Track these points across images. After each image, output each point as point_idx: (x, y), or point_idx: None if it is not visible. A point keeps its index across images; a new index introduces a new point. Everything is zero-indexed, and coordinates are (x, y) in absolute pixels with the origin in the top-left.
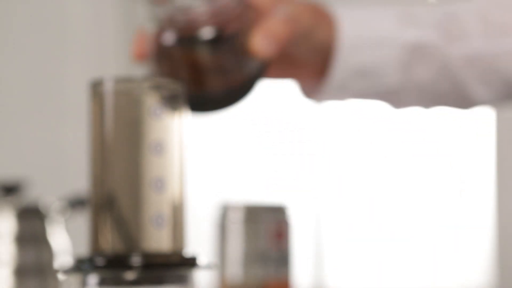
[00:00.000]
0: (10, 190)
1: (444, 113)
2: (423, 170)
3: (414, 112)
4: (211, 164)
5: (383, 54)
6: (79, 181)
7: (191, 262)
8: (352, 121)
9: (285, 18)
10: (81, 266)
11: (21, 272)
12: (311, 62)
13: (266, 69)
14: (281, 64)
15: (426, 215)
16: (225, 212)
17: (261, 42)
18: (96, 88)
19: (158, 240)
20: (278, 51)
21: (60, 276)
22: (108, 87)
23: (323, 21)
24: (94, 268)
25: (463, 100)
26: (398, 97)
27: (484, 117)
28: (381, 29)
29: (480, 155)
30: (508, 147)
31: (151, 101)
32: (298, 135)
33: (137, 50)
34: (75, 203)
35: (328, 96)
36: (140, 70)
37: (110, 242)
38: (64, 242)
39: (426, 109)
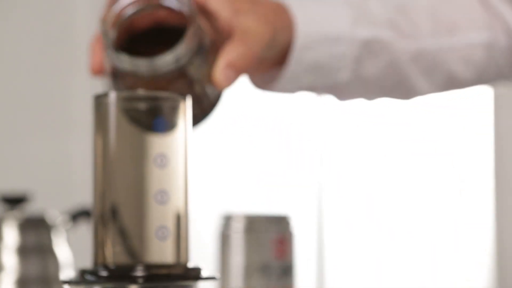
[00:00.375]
0: (15, 202)
1: (443, 111)
2: (423, 172)
3: (412, 111)
4: (212, 175)
5: (336, 51)
6: (83, 193)
7: (194, 274)
8: (351, 125)
9: (244, 48)
10: (85, 278)
11: (26, 283)
12: (268, 61)
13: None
14: None
15: (428, 221)
16: (227, 222)
17: (222, 76)
18: (100, 101)
19: (161, 252)
20: (238, 78)
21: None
22: (112, 100)
23: (284, 23)
24: (98, 279)
25: (406, 92)
26: (344, 90)
27: (483, 114)
28: (335, 27)
29: (479, 154)
30: (507, 146)
31: (155, 113)
32: (298, 144)
33: (95, 64)
34: (79, 215)
35: (279, 89)
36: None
37: (114, 254)
38: (68, 254)
39: (369, 100)
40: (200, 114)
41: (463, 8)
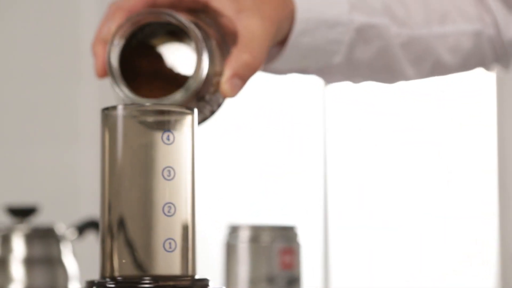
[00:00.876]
0: (23, 213)
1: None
2: (428, 174)
3: (414, 110)
4: (218, 185)
5: (332, 36)
6: (91, 205)
7: (202, 285)
8: (356, 131)
9: (249, 56)
10: None
11: None
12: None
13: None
14: None
15: (434, 225)
16: (233, 233)
17: (229, 86)
18: (108, 114)
19: (168, 264)
20: (244, 86)
21: None
22: (120, 113)
23: (286, 14)
24: None
25: (391, 77)
26: (334, 73)
27: (486, 108)
28: (333, 13)
29: (482, 151)
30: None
31: (163, 126)
32: (303, 154)
33: (100, 67)
34: (86, 227)
35: (270, 70)
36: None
37: (121, 266)
38: (74, 265)
39: (354, 83)
40: (200, 119)
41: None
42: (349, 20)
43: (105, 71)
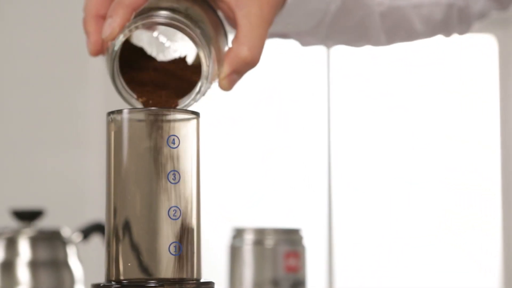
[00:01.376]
0: (30, 217)
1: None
2: (432, 190)
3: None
4: (222, 189)
5: (321, 7)
6: (96, 208)
7: None
8: (360, 133)
9: (248, 53)
10: None
11: None
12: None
13: None
14: None
15: (440, 226)
16: (238, 235)
17: (227, 82)
18: (113, 117)
19: (174, 267)
20: (240, 79)
21: None
22: (125, 116)
23: None
24: None
25: (363, 42)
26: (311, 37)
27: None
28: None
29: (486, 158)
30: None
31: (168, 130)
32: (308, 157)
33: (94, 45)
34: (92, 231)
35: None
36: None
37: (127, 269)
38: (79, 269)
39: (326, 47)
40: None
41: None
42: None
43: (99, 49)
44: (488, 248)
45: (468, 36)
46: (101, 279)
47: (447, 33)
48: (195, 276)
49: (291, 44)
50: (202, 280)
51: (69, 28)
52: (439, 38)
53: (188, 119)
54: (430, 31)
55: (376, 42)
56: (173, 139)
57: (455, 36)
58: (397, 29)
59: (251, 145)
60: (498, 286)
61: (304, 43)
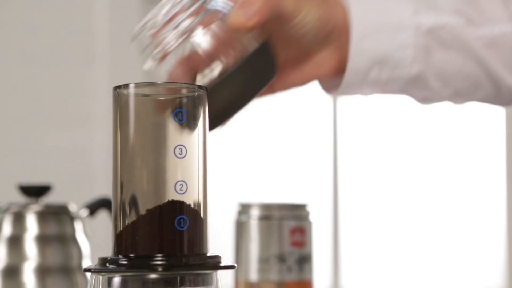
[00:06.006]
0: (37, 192)
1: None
2: (436, 171)
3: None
4: (229, 164)
5: (398, 39)
6: (103, 184)
7: (213, 263)
8: (367, 119)
9: None
10: (106, 267)
11: (48, 272)
12: (325, 52)
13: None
14: (297, 64)
15: (442, 217)
16: (245, 210)
17: (241, 15)
18: (119, 92)
19: (181, 242)
20: (261, 20)
21: (85, 276)
22: (132, 91)
23: (333, 6)
24: (119, 268)
25: (496, 88)
26: (422, 87)
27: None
28: (395, 15)
29: (491, 156)
30: None
31: (174, 104)
32: (314, 134)
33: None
34: (99, 206)
35: (349, 90)
36: (162, 75)
37: (134, 244)
38: (86, 244)
39: (459, 104)
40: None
41: None
42: (414, 22)
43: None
44: (492, 246)
45: None
46: (108, 254)
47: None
48: (202, 250)
49: None
50: (209, 254)
51: (75, 4)
52: None
53: (195, 94)
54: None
55: (507, 83)
56: (180, 114)
57: None
58: None
59: (259, 121)
60: (502, 287)
61: (421, 98)
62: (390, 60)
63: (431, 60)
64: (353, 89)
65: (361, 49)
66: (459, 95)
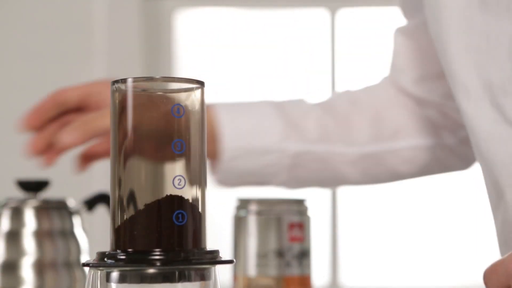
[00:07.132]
0: (35, 187)
1: None
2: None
3: None
4: None
5: (266, 161)
6: (101, 179)
7: (212, 258)
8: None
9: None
10: (104, 261)
11: (46, 267)
12: None
13: None
14: None
15: (440, 213)
16: (243, 206)
17: (64, 136)
18: (117, 87)
19: (179, 236)
20: (84, 140)
21: (83, 271)
22: (130, 86)
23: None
24: (117, 263)
25: (338, 183)
26: (280, 186)
27: None
28: (264, 141)
29: None
30: None
31: (173, 99)
32: None
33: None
34: (97, 201)
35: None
36: (162, 71)
37: (132, 238)
38: (84, 239)
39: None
40: None
41: (403, 116)
42: (280, 148)
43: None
44: (488, 243)
45: None
46: (107, 249)
47: (447, 171)
48: (200, 246)
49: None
50: (207, 249)
51: (73, 0)
52: None
53: (193, 88)
54: (420, 172)
55: (352, 182)
56: (178, 109)
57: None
58: (374, 172)
59: None
60: None
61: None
62: (256, 174)
63: (293, 174)
64: (227, 184)
65: (230, 168)
66: (305, 187)
